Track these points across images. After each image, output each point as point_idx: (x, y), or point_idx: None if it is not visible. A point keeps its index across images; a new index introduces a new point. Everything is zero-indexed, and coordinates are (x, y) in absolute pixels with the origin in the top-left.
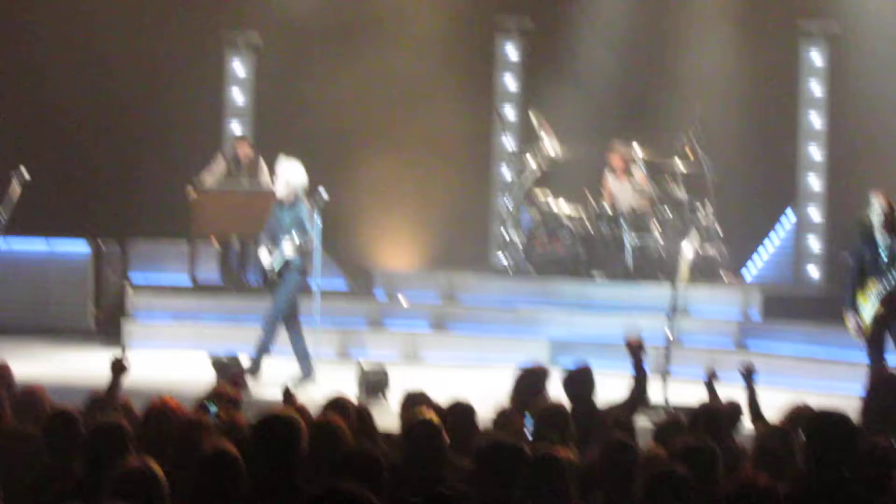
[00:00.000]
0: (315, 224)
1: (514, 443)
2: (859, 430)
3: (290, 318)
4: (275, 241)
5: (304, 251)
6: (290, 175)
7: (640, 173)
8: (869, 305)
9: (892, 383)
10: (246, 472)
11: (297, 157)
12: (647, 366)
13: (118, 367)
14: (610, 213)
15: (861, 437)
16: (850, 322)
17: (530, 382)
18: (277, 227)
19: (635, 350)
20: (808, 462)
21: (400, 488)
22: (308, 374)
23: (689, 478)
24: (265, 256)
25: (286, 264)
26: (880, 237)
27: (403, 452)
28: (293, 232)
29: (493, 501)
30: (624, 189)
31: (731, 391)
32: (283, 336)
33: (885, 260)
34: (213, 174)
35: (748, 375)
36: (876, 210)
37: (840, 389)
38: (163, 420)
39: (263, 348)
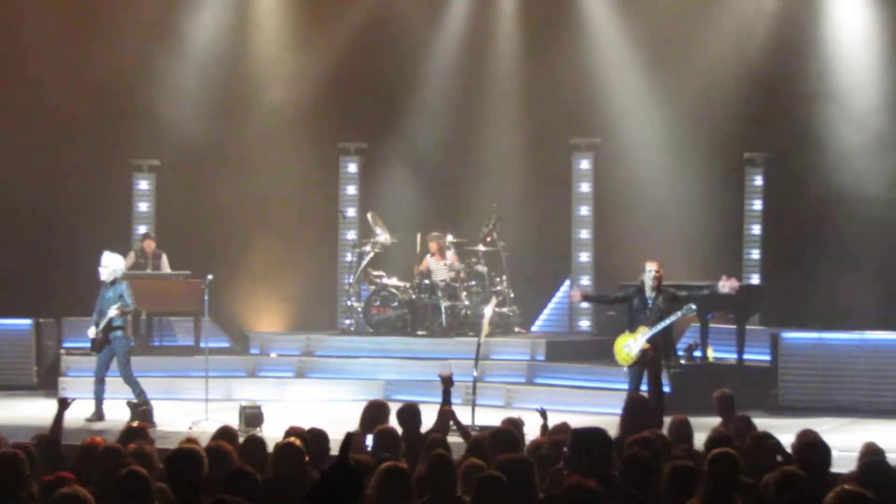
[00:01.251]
0: (131, 297)
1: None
2: (614, 440)
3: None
4: (102, 314)
5: (126, 312)
6: (111, 263)
7: (451, 254)
8: (637, 343)
9: (642, 403)
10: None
11: (189, 251)
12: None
13: (63, 403)
14: (428, 283)
15: (617, 445)
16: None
17: (372, 414)
18: (103, 302)
19: (446, 382)
20: (572, 466)
21: (272, 499)
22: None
23: (505, 480)
24: (91, 330)
25: (113, 328)
26: (650, 293)
27: (274, 469)
28: (120, 300)
29: None
30: (439, 266)
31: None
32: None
33: (651, 311)
34: (125, 264)
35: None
36: (649, 273)
37: (605, 410)
38: (91, 452)
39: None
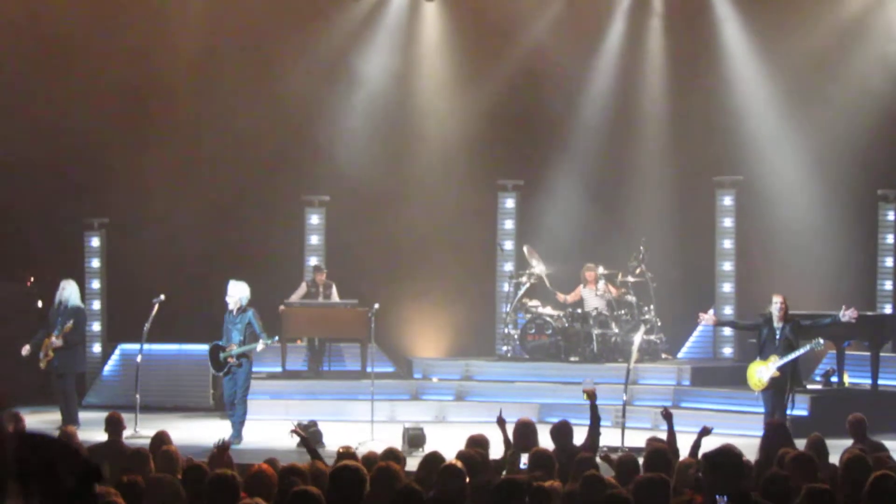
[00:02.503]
0: (260, 323)
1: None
2: (755, 462)
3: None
4: (229, 340)
5: (267, 346)
6: (237, 292)
7: (602, 284)
8: (769, 371)
9: (780, 428)
10: None
11: (357, 281)
12: (599, 410)
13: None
14: (580, 312)
15: (758, 467)
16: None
17: (522, 432)
18: (231, 329)
19: (590, 395)
20: (708, 485)
21: None
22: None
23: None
24: (217, 358)
25: (243, 354)
26: (777, 324)
27: (434, 488)
28: (247, 328)
29: None
30: (591, 295)
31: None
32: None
33: (779, 341)
34: (298, 294)
35: (668, 419)
36: (776, 305)
37: (747, 433)
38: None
39: (242, 420)
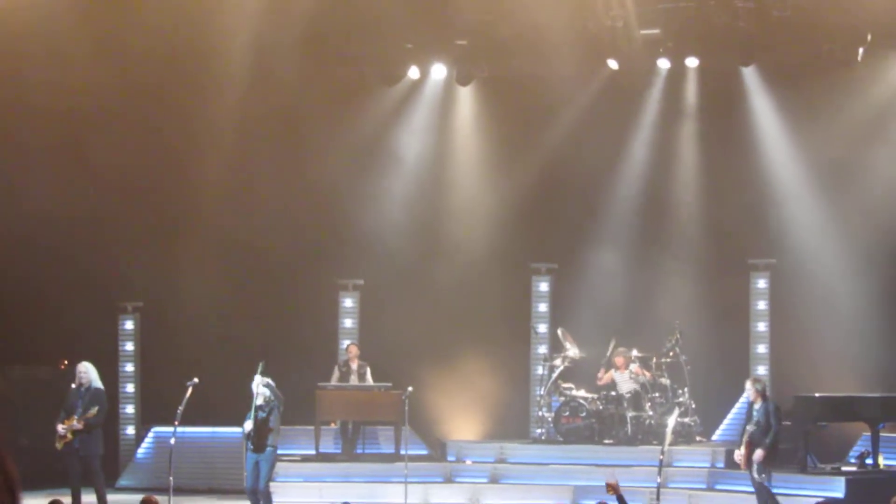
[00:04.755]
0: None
1: None
2: None
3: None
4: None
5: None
6: (260, 386)
7: (634, 367)
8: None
9: None
10: None
11: (390, 363)
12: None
13: None
14: (614, 395)
15: None
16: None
17: None
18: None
19: (614, 489)
20: None
21: None
22: None
23: None
24: (248, 423)
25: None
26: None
27: None
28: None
29: None
30: (623, 378)
31: None
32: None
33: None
34: (332, 378)
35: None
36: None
37: None
38: None
39: None
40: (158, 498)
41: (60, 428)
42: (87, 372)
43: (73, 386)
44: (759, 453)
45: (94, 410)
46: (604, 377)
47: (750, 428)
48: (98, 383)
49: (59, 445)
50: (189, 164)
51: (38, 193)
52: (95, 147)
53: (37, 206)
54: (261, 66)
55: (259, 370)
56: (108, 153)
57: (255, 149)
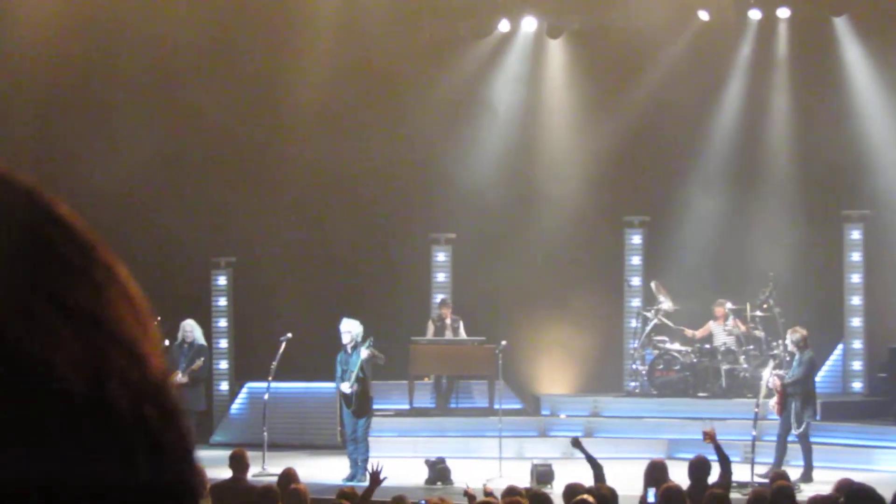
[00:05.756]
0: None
1: None
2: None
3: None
4: (344, 377)
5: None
6: (352, 328)
7: (732, 320)
8: None
9: None
10: None
11: (483, 317)
12: (726, 450)
13: (376, 480)
14: (708, 348)
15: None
16: None
17: (653, 473)
18: (347, 365)
19: (712, 439)
20: None
21: None
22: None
23: None
24: (345, 385)
25: (361, 381)
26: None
27: None
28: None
29: None
30: (720, 330)
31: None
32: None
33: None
34: (428, 335)
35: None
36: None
37: (878, 468)
38: None
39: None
40: (252, 453)
41: None
42: (193, 330)
43: (176, 343)
44: (773, 381)
45: (199, 362)
46: (701, 329)
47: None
48: (202, 340)
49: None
50: (282, 119)
51: (130, 147)
52: (188, 101)
53: (130, 160)
54: (352, 20)
55: (367, 345)
56: (201, 108)
57: (348, 104)
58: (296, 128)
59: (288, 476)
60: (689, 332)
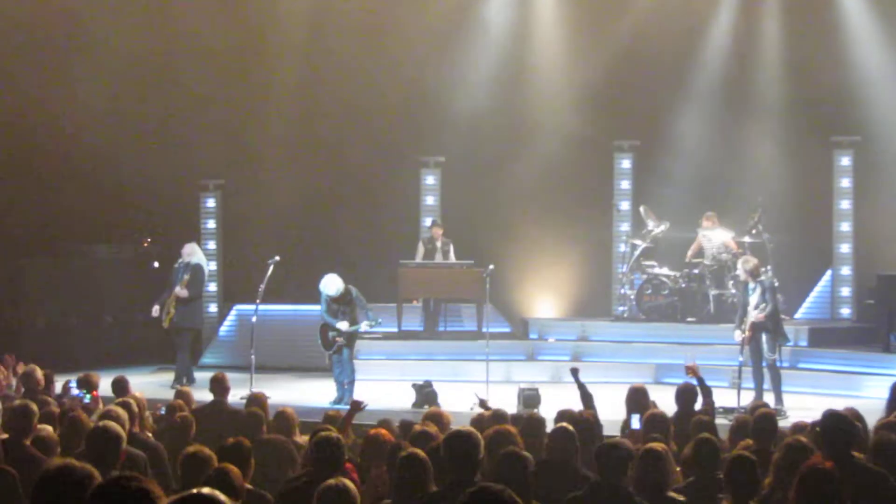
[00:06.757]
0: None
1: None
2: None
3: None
4: (338, 316)
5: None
6: (332, 286)
7: (723, 231)
8: None
9: None
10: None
11: (472, 241)
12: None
13: (356, 406)
14: (697, 273)
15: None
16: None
17: (634, 396)
18: (337, 312)
19: (694, 373)
20: (824, 448)
21: (542, 482)
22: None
23: (755, 461)
24: (344, 325)
25: (350, 335)
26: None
27: (547, 453)
28: (367, 313)
29: (608, 485)
30: (710, 239)
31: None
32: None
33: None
34: (418, 256)
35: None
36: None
37: (865, 394)
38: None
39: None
40: (240, 375)
41: (155, 309)
42: (192, 252)
43: (176, 264)
44: (757, 315)
45: (186, 278)
46: (692, 248)
47: (751, 309)
48: (198, 261)
49: (165, 324)
50: (268, 40)
51: (118, 67)
52: (180, 23)
53: (121, 82)
54: None
55: (371, 321)
56: (190, 30)
57: (335, 27)
58: (283, 49)
59: (255, 400)
60: (688, 257)
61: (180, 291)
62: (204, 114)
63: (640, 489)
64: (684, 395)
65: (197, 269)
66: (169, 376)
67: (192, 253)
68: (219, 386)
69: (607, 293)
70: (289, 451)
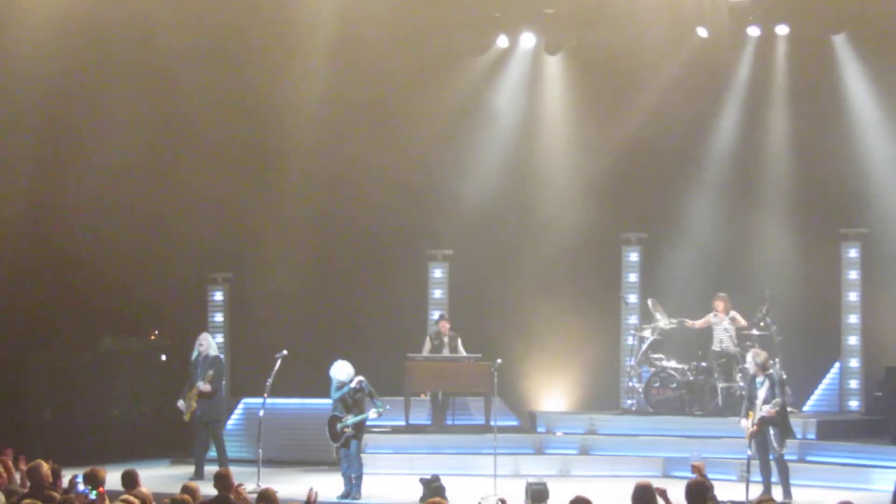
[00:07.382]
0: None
1: None
2: None
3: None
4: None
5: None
6: (341, 373)
7: (731, 316)
8: None
9: None
10: None
11: (480, 333)
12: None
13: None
14: (705, 366)
15: None
16: None
17: (640, 494)
18: (347, 404)
19: (699, 471)
20: None
21: None
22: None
23: None
24: (334, 428)
25: (357, 425)
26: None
27: None
28: (375, 401)
29: None
30: (720, 326)
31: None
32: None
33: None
34: (425, 350)
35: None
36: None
37: (875, 487)
38: None
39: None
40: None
41: (180, 403)
42: (207, 343)
43: (193, 357)
44: (768, 410)
45: (209, 374)
46: (700, 321)
47: (759, 403)
48: (214, 352)
49: (186, 417)
50: (277, 133)
51: (124, 161)
52: (183, 117)
53: (125, 173)
54: (348, 33)
55: (377, 409)
56: (196, 124)
57: (344, 118)
58: (294, 142)
59: (266, 496)
60: (689, 323)
61: (203, 386)
62: (213, 206)
63: None
64: (695, 491)
65: (217, 363)
66: (186, 469)
67: (210, 345)
68: (223, 482)
69: (615, 386)
70: None
